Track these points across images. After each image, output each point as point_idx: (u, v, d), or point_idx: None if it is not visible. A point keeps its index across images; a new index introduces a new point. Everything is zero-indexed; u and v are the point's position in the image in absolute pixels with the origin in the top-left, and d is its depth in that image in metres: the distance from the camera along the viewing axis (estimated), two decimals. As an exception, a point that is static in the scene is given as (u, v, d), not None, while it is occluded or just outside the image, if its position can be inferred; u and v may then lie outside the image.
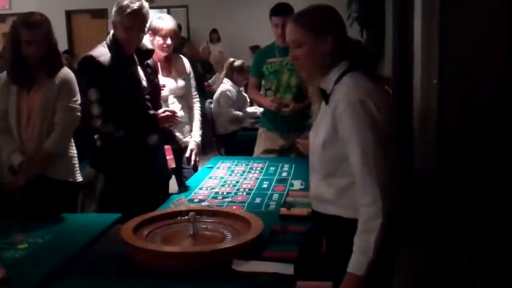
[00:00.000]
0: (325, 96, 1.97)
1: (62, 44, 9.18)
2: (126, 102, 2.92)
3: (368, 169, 1.79)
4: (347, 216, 1.90)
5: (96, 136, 3.00)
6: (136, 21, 2.91)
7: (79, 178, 2.98)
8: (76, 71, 2.98)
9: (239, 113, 5.85)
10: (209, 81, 8.60)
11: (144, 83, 3.04)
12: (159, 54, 3.54)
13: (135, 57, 3.02)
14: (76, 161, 2.97)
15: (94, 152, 3.03)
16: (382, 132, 1.83)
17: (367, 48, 3.08)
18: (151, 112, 3.06)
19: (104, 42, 2.98)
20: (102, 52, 2.90)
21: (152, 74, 3.15)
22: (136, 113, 2.97)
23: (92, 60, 2.86)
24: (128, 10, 2.87)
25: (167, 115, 3.15)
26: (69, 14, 12.62)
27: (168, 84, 3.66)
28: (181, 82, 3.75)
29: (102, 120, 2.88)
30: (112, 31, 2.98)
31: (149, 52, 3.14)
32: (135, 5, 2.89)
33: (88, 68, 2.87)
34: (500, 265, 3.00)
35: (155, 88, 3.19)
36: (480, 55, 3.77)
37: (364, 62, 1.99)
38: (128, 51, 2.97)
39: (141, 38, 3.01)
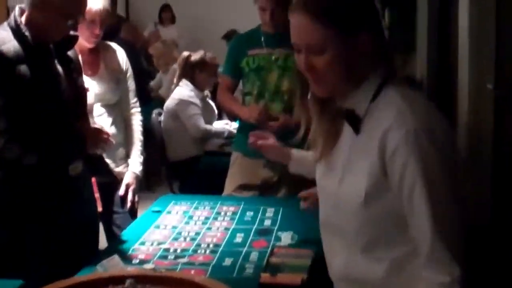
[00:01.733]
0: (354, 122, 1.89)
1: None
2: (40, 113, 2.93)
3: (443, 234, 1.74)
4: None
5: None
6: (78, 4, 2.96)
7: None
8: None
9: (212, 127, 5.88)
10: (151, 83, 8.60)
11: (65, 84, 3.05)
12: (81, 44, 3.55)
13: (51, 47, 3.03)
14: None
15: None
16: (455, 173, 1.79)
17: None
18: (76, 128, 3.08)
19: (6, 23, 2.98)
20: (4, 39, 2.90)
21: (75, 72, 3.16)
22: (54, 129, 2.97)
23: None
24: None
25: (97, 135, 3.16)
26: None
27: (93, 87, 3.67)
28: (112, 84, 3.77)
29: (6, 139, 2.87)
30: (20, 9, 2.97)
31: (71, 40, 3.15)
32: None
33: None
34: None
35: (80, 91, 3.21)
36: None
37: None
38: (49, 40, 2.98)
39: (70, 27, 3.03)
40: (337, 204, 1.93)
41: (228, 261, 2.84)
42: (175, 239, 3.14)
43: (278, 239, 3.08)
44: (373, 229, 1.86)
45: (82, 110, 3.23)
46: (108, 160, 3.72)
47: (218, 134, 5.96)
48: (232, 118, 6.12)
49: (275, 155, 2.96)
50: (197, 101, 5.91)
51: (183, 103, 5.86)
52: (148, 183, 6.83)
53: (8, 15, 3.05)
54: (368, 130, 1.85)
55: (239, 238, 3.13)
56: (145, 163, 3.95)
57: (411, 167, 1.74)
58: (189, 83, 5.97)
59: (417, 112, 1.79)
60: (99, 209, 3.47)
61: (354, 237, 1.89)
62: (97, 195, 3.52)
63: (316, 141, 2.00)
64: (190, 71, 6.02)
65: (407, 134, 1.75)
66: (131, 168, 3.82)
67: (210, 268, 2.77)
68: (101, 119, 3.71)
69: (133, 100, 3.93)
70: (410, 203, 1.77)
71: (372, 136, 1.82)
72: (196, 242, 3.08)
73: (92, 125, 3.29)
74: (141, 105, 4.06)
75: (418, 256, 1.79)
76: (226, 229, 3.26)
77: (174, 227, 3.30)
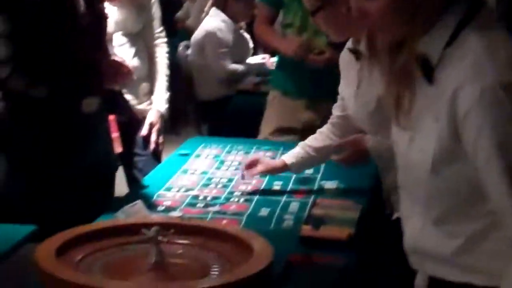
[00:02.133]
0: (427, 70, 1.76)
1: None
2: (52, 40, 2.93)
3: None
4: (480, 284, 1.78)
5: None
6: None
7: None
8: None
9: (239, 66, 5.84)
10: (178, 14, 8.55)
11: (82, 9, 3.04)
12: None
13: None
14: None
15: None
16: None
17: None
18: (92, 59, 3.07)
19: None
20: None
21: None
22: (67, 59, 2.98)
23: None
24: None
25: (117, 67, 3.16)
26: None
27: (114, 13, 3.66)
28: (135, 11, 3.76)
29: (11, 68, 2.90)
30: None
31: None
32: None
33: None
34: None
35: (99, 18, 3.21)
36: None
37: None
38: None
39: None
40: (407, 166, 1.86)
41: (264, 212, 2.84)
42: (205, 185, 3.15)
43: (321, 188, 3.09)
44: (444, 200, 1.78)
45: (100, 39, 3.23)
46: (129, 96, 3.72)
47: (246, 74, 5.90)
48: (271, 52, 6.08)
49: (271, 173, 3.12)
50: (227, 35, 5.85)
51: (210, 36, 5.81)
52: (173, 124, 6.81)
53: None
54: (440, 82, 1.72)
55: (277, 187, 3.13)
56: (171, 102, 3.94)
57: (486, 133, 1.62)
58: (220, 13, 5.92)
59: (499, 63, 1.63)
60: (119, 149, 3.47)
61: (424, 206, 1.83)
62: (116, 134, 3.53)
63: (388, 97, 1.89)
64: (223, 0, 5.96)
65: (482, 91, 1.61)
66: (155, 105, 3.82)
67: (244, 218, 2.77)
68: (122, 49, 3.72)
69: (159, 29, 3.93)
70: (486, 174, 1.66)
71: (444, 91, 1.70)
72: (228, 190, 3.08)
73: (112, 57, 3.29)
74: (167, 37, 4.05)
75: (497, 231, 1.72)
76: (263, 176, 3.23)
77: (204, 173, 3.31)
